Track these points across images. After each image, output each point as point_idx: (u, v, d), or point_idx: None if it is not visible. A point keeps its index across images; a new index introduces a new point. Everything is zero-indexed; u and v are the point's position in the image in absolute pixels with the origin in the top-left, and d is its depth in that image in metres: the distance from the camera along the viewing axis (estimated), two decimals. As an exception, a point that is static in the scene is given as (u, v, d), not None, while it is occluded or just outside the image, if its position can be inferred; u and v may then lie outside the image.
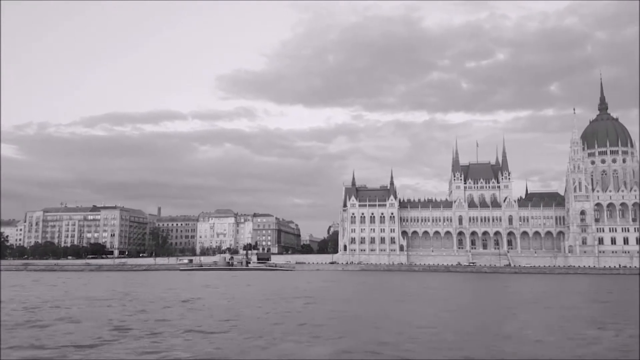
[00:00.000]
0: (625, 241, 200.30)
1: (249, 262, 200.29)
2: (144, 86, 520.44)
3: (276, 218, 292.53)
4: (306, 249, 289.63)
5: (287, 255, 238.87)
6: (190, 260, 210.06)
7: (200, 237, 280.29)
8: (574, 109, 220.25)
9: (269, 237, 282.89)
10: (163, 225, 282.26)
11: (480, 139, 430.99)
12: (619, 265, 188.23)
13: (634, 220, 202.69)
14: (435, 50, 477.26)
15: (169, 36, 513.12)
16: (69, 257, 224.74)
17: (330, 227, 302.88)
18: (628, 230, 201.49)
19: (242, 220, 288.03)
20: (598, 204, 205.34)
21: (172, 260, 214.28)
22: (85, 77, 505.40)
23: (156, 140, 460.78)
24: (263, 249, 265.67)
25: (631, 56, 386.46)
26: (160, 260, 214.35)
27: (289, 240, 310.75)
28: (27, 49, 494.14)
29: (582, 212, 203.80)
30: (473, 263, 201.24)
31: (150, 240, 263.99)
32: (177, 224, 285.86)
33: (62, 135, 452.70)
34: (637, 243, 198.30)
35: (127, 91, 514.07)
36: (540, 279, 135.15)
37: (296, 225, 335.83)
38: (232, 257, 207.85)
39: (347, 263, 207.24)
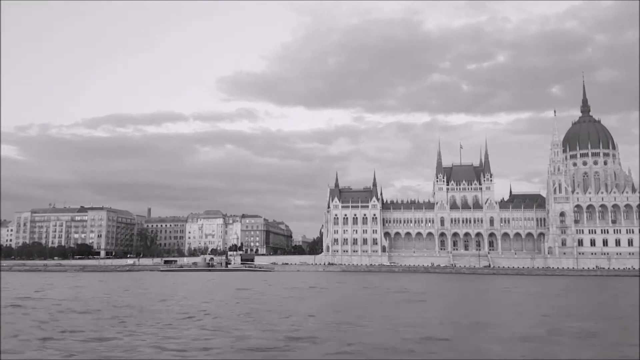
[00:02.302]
0: (604, 243, 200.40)
1: (229, 263, 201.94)
2: (146, 88, 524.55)
3: (264, 219, 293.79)
4: (298, 250, 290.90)
5: (272, 257, 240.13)
6: (172, 262, 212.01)
7: (189, 238, 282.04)
8: (554, 111, 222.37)
9: (257, 238, 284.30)
10: (151, 226, 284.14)
11: (481, 140, 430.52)
12: (597, 267, 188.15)
13: (613, 222, 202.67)
14: (436, 52, 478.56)
15: (170, 38, 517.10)
16: (56, 258, 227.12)
17: (320, 228, 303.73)
18: (607, 232, 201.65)
19: (231, 221, 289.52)
20: (578, 206, 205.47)
21: (155, 261, 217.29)
22: (87, 79, 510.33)
23: (158, 142, 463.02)
24: (251, 250, 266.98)
25: (631, 59, 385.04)
26: (144, 261, 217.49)
27: (279, 241, 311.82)
28: (28, 50, 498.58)
29: (562, 214, 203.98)
30: (453, 264, 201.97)
31: (138, 241, 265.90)
32: (165, 225, 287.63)
33: (64, 136, 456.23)
34: (616, 245, 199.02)
35: (129, 93, 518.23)
36: (512, 280, 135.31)
37: (286, 226, 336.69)
38: (212, 258, 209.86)
39: (327, 264, 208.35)
